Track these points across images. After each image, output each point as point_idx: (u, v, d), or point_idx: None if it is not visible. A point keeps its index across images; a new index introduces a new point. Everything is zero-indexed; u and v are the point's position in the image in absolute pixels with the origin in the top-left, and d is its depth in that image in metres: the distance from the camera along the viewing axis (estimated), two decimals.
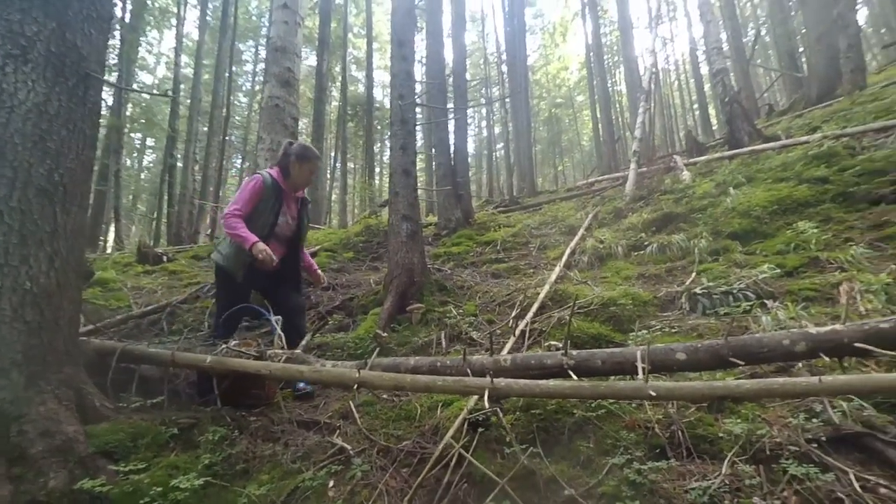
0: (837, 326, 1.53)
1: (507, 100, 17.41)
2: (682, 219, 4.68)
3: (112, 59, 14.55)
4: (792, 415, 1.72)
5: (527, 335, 2.88)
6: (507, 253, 5.43)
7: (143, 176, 30.14)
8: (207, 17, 17.54)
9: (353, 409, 2.24)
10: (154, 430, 1.88)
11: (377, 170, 25.10)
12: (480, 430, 1.94)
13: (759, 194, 4.23)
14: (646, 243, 4.40)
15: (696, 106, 24.58)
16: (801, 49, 14.23)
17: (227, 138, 18.84)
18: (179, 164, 15.25)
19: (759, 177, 4.83)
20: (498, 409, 1.99)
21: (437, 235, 6.82)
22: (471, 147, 32.58)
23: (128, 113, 21.22)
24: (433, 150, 6.90)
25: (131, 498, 1.58)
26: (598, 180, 10.09)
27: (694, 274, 3.40)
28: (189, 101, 15.59)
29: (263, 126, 4.81)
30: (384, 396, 2.46)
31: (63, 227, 1.98)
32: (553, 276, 3.84)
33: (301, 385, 2.64)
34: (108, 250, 13.40)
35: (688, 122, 25.97)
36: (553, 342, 2.71)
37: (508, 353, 2.47)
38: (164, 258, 6.99)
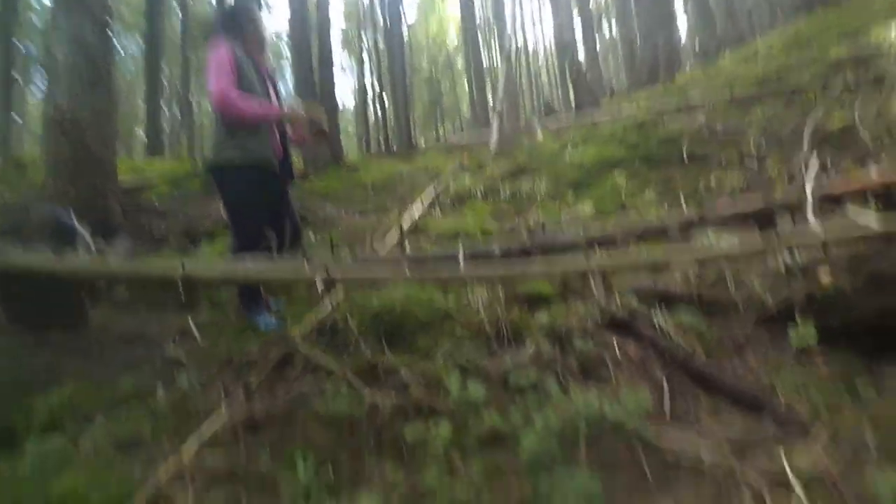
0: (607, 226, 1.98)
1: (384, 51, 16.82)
2: (532, 170, 5.25)
3: None
4: (585, 309, 2.18)
5: None
6: (377, 193, 5.45)
7: None
8: None
9: (192, 326, 2.09)
10: None
11: None
12: (331, 333, 2.01)
13: (590, 152, 4.98)
14: (501, 189, 4.85)
15: (559, 81, 27.13)
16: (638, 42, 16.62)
17: (15, 41, 14.37)
18: None
19: (593, 139, 5.64)
20: (348, 315, 2.07)
21: (305, 175, 6.47)
22: (350, 99, 30.99)
23: None
24: None
25: None
26: (468, 137, 10.59)
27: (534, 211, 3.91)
28: None
29: (60, 7, 3.63)
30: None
31: None
32: (416, 212, 4.02)
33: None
34: None
35: (554, 94, 28.56)
36: None
37: None
38: None
